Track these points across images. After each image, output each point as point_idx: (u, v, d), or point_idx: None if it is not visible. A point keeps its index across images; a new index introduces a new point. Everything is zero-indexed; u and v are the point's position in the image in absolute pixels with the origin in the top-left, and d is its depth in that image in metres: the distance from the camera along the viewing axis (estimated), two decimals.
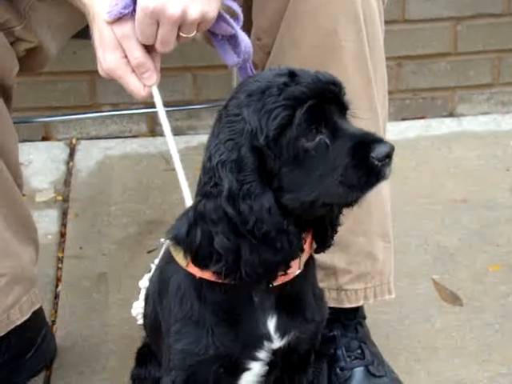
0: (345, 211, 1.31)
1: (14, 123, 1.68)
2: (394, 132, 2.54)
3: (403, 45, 2.64)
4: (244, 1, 1.54)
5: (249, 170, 1.17)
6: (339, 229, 1.63)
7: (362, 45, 1.53)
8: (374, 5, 1.54)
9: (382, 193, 1.66)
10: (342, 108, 1.23)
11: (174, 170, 2.49)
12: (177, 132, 2.86)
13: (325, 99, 1.20)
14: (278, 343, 1.33)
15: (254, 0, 1.56)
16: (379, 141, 1.21)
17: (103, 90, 2.73)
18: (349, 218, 1.63)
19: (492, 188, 2.40)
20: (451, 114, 2.76)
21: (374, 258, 1.68)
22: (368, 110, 1.58)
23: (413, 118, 2.73)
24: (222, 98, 2.82)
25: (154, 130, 2.89)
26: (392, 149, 1.20)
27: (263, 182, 1.18)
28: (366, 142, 1.21)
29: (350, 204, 1.24)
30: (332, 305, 1.69)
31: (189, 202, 1.38)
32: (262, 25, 1.56)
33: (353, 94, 1.54)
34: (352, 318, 1.75)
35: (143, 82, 1.37)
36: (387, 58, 1.66)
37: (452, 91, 2.75)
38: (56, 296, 2.09)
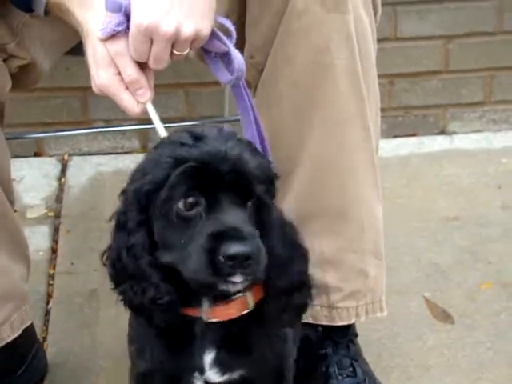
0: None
1: (6, 139, 1.67)
2: (385, 149, 2.54)
3: (395, 63, 2.65)
4: (237, 18, 1.55)
5: (132, 215, 1.21)
6: (330, 246, 1.65)
7: (354, 62, 1.54)
8: (367, 23, 1.55)
9: (373, 210, 1.67)
10: (237, 189, 1.18)
11: None
12: None
13: (213, 171, 1.17)
14: (216, 378, 1.33)
15: (248, 18, 1.57)
16: (237, 239, 1.14)
17: (95, 106, 2.73)
18: (341, 236, 1.64)
19: (484, 205, 2.40)
20: (443, 132, 2.77)
21: (365, 275, 1.68)
22: (361, 128, 1.59)
23: (405, 136, 2.74)
24: (214, 115, 2.84)
25: (147, 147, 2.88)
26: (247, 252, 1.13)
27: (140, 225, 1.20)
28: (222, 235, 1.15)
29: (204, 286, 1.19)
30: (324, 323, 1.70)
31: None
32: (255, 42, 1.56)
33: (345, 112, 1.57)
34: (344, 335, 1.74)
35: (137, 99, 1.37)
36: (379, 76, 1.66)
37: (444, 109, 2.76)
38: (47, 313, 2.08)
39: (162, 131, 1.36)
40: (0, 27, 1.54)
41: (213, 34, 1.36)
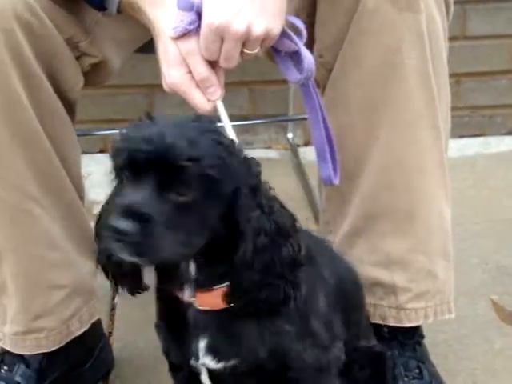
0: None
1: None
2: (451, 150, 2.49)
3: (463, 62, 2.63)
4: (307, 17, 1.55)
5: None
6: (398, 247, 1.64)
7: (425, 62, 1.52)
8: (439, 21, 1.53)
9: (442, 210, 1.65)
10: (155, 173, 1.17)
11: None
12: None
13: (132, 153, 1.18)
14: (213, 365, 1.33)
15: (317, 17, 1.56)
16: (119, 214, 1.15)
17: (161, 104, 2.76)
18: (409, 237, 1.63)
19: None
20: (510, 132, 2.73)
21: (434, 276, 1.66)
22: (431, 127, 1.57)
23: (471, 136, 2.71)
24: (278, 113, 2.85)
25: None
26: (117, 228, 1.14)
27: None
28: (110, 209, 1.20)
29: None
30: (391, 324, 1.68)
31: None
32: (325, 42, 1.56)
33: (415, 112, 1.55)
34: (411, 337, 1.73)
35: (207, 97, 1.38)
36: None
37: None
38: (113, 307, 2.11)
39: (229, 129, 1.37)
40: (73, 25, 1.56)
41: (283, 33, 1.36)
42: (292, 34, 1.37)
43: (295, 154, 2.84)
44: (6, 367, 1.71)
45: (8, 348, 1.70)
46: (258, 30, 1.32)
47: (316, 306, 1.36)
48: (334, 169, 1.45)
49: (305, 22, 1.41)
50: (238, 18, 1.31)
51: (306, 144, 2.94)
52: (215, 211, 1.20)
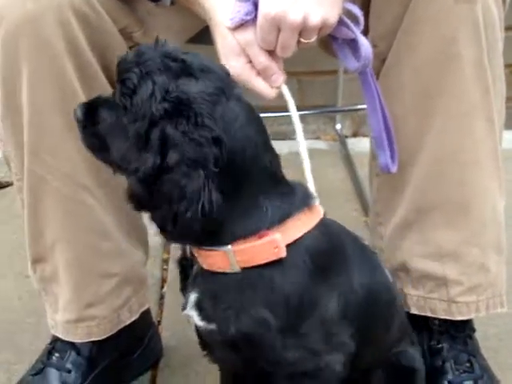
0: None
1: None
2: (505, 141, 2.46)
3: None
4: (361, 6, 1.53)
5: None
6: (450, 240, 1.62)
7: (481, 53, 1.51)
8: (495, 12, 1.51)
9: (496, 203, 1.63)
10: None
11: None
12: (281, 137, 2.87)
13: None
14: (197, 321, 1.34)
15: (372, 6, 1.55)
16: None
17: None
18: (462, 229, 1.61)
19: None
20: None
21: (487, 269, 1.64)
22: (485, 119, 1.55)
23: None
24: (327, 104, 2.84)
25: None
26: (76, 114, 1.30)
27: None
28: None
29: None
30: (442, 316, 1.67)
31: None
32: (379, 31, 1.55)
33: (470, 103, 1.53)
34: (461, 330, 1.71)
35: (270, 84, 1.38)
36: None
37: None
38: (161, 297, 2.12)
39: (295, 113, 1.37)
40: (127, 16, 1.57)
41: (340, 21, 1.36)
42: (349, 21, 1.36)
43: (344, 144, 2.83)
44: (57, 354, 1.73)
45: (60, 335, 1.73)
46: (315, 19, 1.32)
47: (319, 311, 1.31)
48: (392, 157, 1.45)
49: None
50: (294, 8, 1.31)
51: (355, 135, 2.93)
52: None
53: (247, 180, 1.25)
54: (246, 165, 1.24)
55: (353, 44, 1.38)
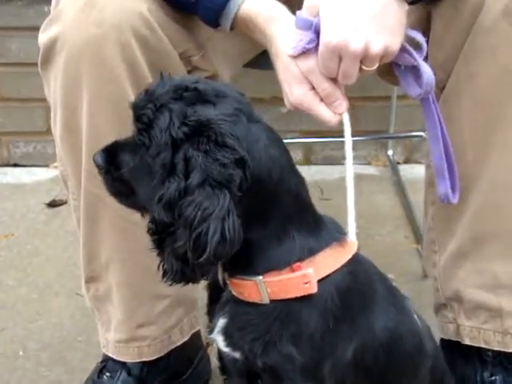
0: None
1: None
2: None
3: None
4: (423, 34, 1.53)
5: None
6: (506, 271, 1.60)
7: None
8: None
9: None
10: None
11: (328, 199, 2.53)
12: (331, 161, 2.88)
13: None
14: (222, 346, 1.31)
15: (432, 34, 1.54)
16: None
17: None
18: None
19: None
20: None
21: None
22: None
23: None
24: (379, 130, 2.83)
25: (310, 159, 2.90)
26: (97, 161, 1.27)
27: None
28: None
29: None
30: (496, 348, 1.65)
31: (352, 233, 1.37)
32: (438, 59, 1.54)
33: None
34: None
35: (333, 111, 1.39)
36: None
37: None
38: None
39: (349, 141, 1.37)
40: (187, 40, 1.58)
41: (402, 48, 1.35)
42: (411, 49, 1.36)
43: (395, 171, 2.82)
44: (108, 373, 1.75)
45: (111, 355, 1.74)
46: (376, 47, 1.32)
47: (339, 353, 1.27)
48: (453, 187, 1.43)
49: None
50: (355, 37, 1.31)
51: (407, 161, 2.91)
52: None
53: (274, 205, 1.23)
54: (272, 188, 1.22)
55: (415, 70, 1.37)
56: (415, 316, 1.41)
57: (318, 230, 1.27)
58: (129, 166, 1.24)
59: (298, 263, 1.23)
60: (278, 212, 1.23)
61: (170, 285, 1.24)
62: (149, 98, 1.22)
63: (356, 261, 1.30)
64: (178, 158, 1.17)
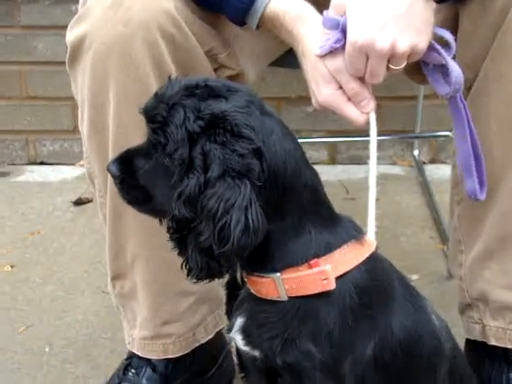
0: None
1: None
2: None
3: None
4: (451, 33, 1.53)
5: None
6: None
7: None
8: None
9: None
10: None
11: (353, 199, 2.52)
12: (357, 161, 2.87)
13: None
14: (240, 345, 1.30)
15: (459, 33, 1.53)
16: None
17: (287, 117, 2.77)
18: None
19: None
20: None
21: None
22: None
23: None
24: (405, 130, 2.82)
25: (335, 158, 2.90)
26: (110, 170, 1.26)
27: None
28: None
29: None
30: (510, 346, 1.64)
31: (371, 233, 1.36)
32: (466, 59, 1.53)
33: None
34: None
35: (361, 110, 1.38)
36: None
37: None
38: None
39: (374, 141, 1.37)
40: (213, 38, 1.58)
41: (430, 47, 1.35)
42: (439, 47, 1.35)
43: (421, 171, 2.81)
44: (133, 370, 1.75)
45: (136, 352, 1.74)
46: (403, 46, 1.32)
47: (359, 351, 1.26)
48: (480, 184, 1.43)
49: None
50: (381, 36, 1.31)
51: (432, 161, 2.90)
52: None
53: (290, 198, 1.22)
54: (288, 181, 1.21)
55: (443, 69, 1.36)
56: (433, 316, 1.40)
57: (335, 226, 1.27)
58: (143, 170, 1.24)
59: (316, 259, 1.23)
60: (295, 205, 1.23)
61: (195, 282, 1.24)
62: (159, 99, 1.22)
63: (374, 259, 1.29)
64: (195, 152, 1.17)
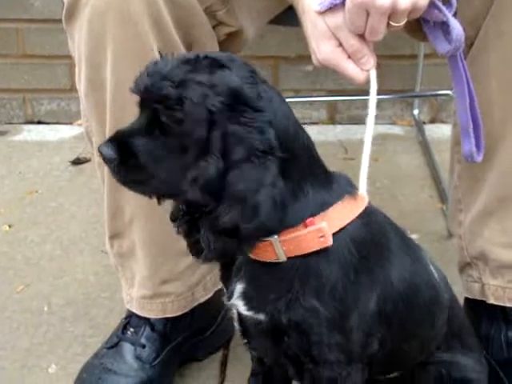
0: None
1: None
2: None
3: None
4: None
5: None
6: None
7: None
8: None
9: None
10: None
11: (352, 159, 2.51)
12: (356, 121, 2.86)
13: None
14: (242, 311, 1.30)
15: None
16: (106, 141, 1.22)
17: (285, 76, 2.76)
18: None
19: None
20: None
21: None
22: None
23: None
24: (405, 89, 2.80)
25: (335, 118, 2.88)
26: (103, 153, 1.20)
27: None
28: None
29: None
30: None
31: (363, 187, 1.34)
32: (467, 16, 1.51)
33: None
34: None
35: (361, 67, 1.37)
36: None
37: None
38: None
39: (374, 99, 1.37)
40: None
41: (431, 3, 1.33)
42: (440, 4, 1.34)
43: (421, 130, 2.79)
44: (132, 329, 1.76)
45: (135, 311, 1.75)
46: (404, 2, 1.30)
47: (363, 305, 1.28)
48: (477, 145, 1.42)
49: None
50: None
51: (432, 121, 2.89)
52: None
53: (292, 161, 1.21)
54: (290, 145, 1.21)
55: (444, 27, 1.35)
56: (431, 266, 1.41)
57: (330, 184, 1.27)
58: (145, 150, 1.19)
59: (311, 218, 1.23)
60: (296, 169, 1.23)
61: (202, 263, 1.23)
62: (158, 77, 1.17)
63: (369, 212, 1.30)
64: (215, 133, 1.14)
